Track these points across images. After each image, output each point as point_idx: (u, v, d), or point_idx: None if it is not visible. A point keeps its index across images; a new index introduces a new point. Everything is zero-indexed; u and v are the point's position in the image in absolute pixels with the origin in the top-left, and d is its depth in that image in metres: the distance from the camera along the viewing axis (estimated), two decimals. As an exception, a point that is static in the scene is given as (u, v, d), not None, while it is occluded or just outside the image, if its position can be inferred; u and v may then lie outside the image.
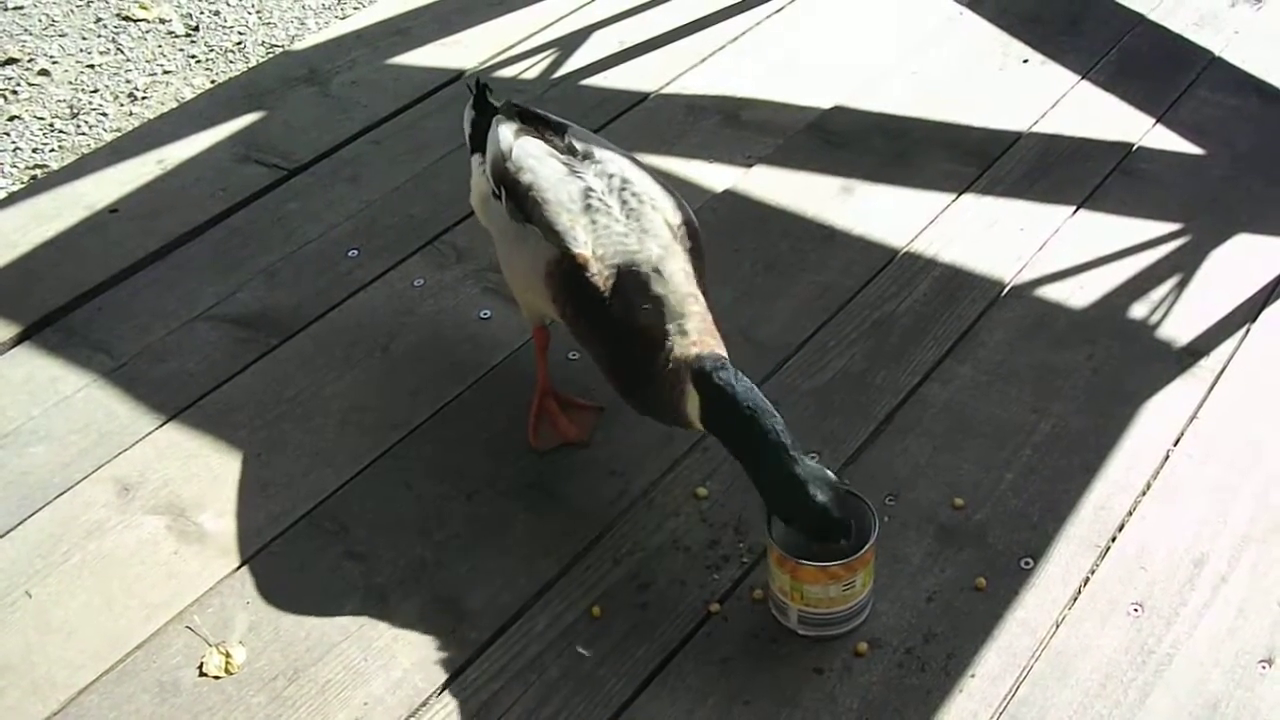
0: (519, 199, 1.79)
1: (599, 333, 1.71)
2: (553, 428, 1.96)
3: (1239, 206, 2.34)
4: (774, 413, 1.57)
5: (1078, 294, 2.17)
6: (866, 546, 1.60)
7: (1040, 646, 1.64)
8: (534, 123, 1.92)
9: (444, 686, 1.64)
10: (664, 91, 2.77)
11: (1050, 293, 2.18)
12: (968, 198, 2.41)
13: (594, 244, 1.71)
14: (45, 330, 2.22)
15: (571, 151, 1.84)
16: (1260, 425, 1.92)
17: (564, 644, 1.68)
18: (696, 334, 1.65)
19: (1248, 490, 1.83)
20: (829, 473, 1.57)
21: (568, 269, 1.71)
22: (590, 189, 1.76)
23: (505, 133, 1.87)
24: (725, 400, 1.58)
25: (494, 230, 1.91)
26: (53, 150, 3.06)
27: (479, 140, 1.96)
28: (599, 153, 1.84)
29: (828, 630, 1.66)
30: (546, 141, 1.86)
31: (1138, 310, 2.13)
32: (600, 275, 1.69)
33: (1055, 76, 2.74)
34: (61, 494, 1.92)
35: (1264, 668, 1.60)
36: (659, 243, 1.71)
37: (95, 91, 3.25)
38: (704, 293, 1.72)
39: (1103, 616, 1.67)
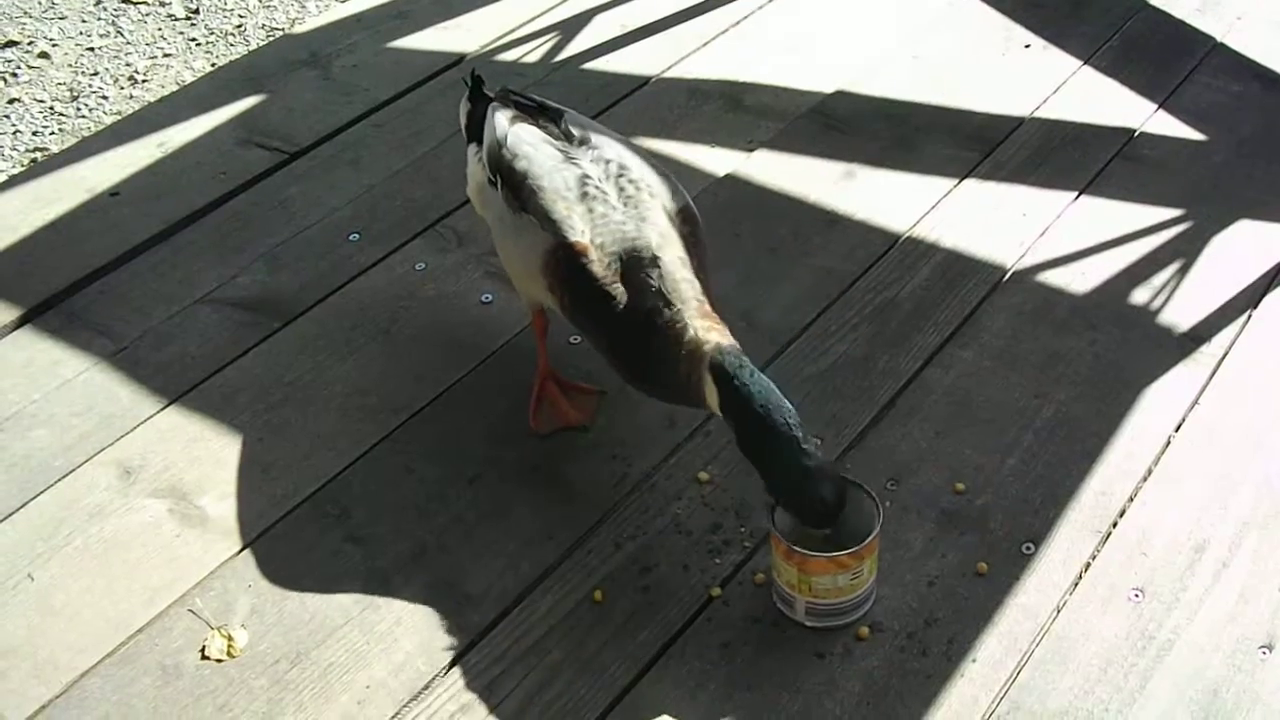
0: (514, 187, 1.78)
1: (600, 322, 1.71)
2: (554, 411, 1.96)
3: (1241, 192, 2.34)
4: (789, 407, 1.58)
5: (1079, 280, 2.17)
6: (872, 535, 1.60)
7: (1041, 631, 1.65)
8: (529, 109, 1.91)
9: (446, 670, 1.64)
10: (666, 76, 2.76)
11: (1052, 278, 2.18)
12: (970, 183, 2.41)
13: (592, 232, 1.70)
14: (46, 314, 2.22)
15: (568, 137, 1.83)
16: (1261, 411, 1.92)
17: (565, 628, 1.68)
18: (702, 319, 1.65)
19: (1249, 476, 1.83)
20: (834, 466, 1.58)
21: (564, 258, 1.70)
22: (586, 176, 1.75)
23: (500, 119, 1.86)
24: (742, 395, 1.58)
25: (490, 219, 1.91)
26: (53, 133, 3.05)
27: (475, 130, 1.96)
28: (595, 138, 1.83)
29: (835, 620, 1.66)
30: (542, 128, 1.86)
31: (1139, 296, 2.13)
32: (600, 264, 1.68)
33: (1057, 61, 2.74)
34: (63, 477, 1.92)
35: (1264, 653, 1.61)
36: (658, 230, 1.71)
37: (95, 74, 3.24)
38: (705, 279, 1.72)
39: (1104, 602, 1.68)
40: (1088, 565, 1.72)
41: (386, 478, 1.90)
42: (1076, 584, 1.70)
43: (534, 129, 1.85)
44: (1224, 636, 1.63)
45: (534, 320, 1.95)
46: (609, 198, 1.73)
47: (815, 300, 2.16)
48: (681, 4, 2.98)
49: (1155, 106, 2.58)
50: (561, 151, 1.80)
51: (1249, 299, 2.12)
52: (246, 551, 1.80)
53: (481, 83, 2.02)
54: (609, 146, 1.81)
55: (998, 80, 2.68)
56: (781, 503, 1.60)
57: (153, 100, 2.98)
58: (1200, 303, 2.11)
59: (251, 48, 3.29)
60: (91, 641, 1.69)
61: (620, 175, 1.76)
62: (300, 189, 2.49)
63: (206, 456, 1.94)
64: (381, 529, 1.83)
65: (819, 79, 2.71)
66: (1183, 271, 2.17)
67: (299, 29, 3.01)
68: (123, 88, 3.20)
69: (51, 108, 3.14)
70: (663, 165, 1.85)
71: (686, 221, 1.76)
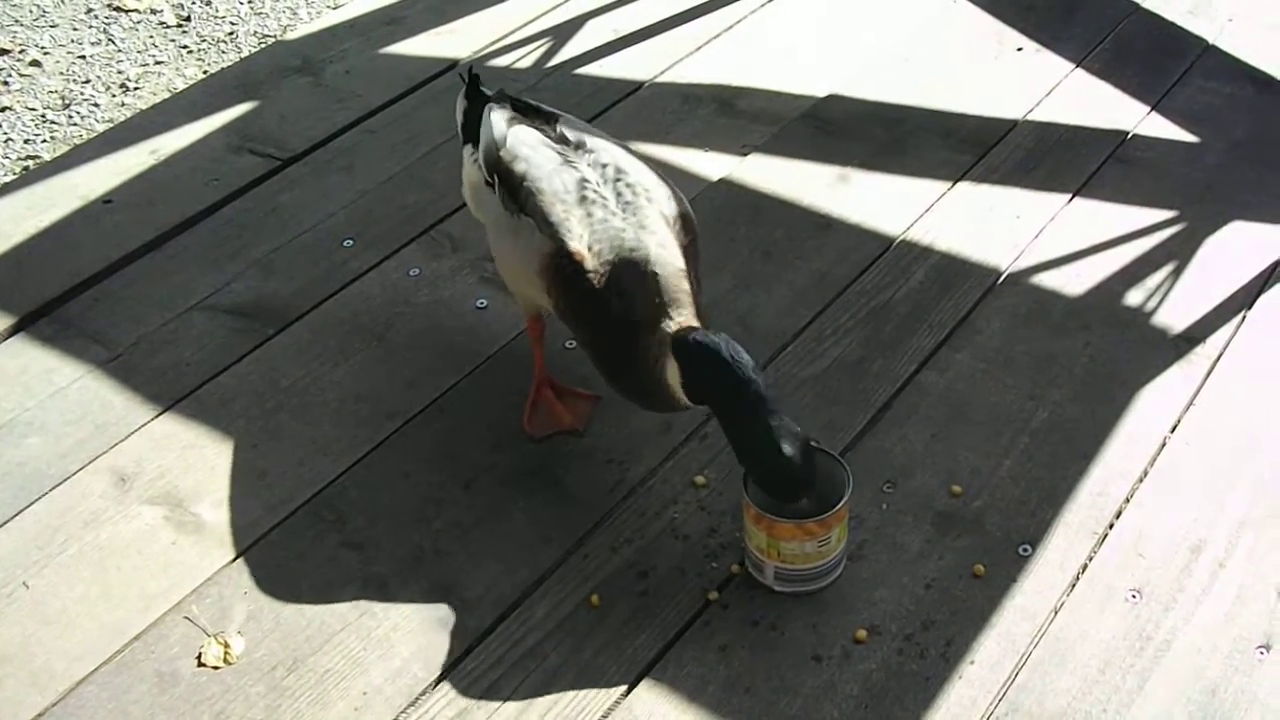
0: (512, 189, 1.78)
1: (593, 326, 1.71)
2: (549, 416, 1.96)
3: (1234, 193, 2.35)
4: (755, 366, 1.58)
5: (1074, 281, 2.17)
6: (841, 503, 1.62)
7: (1039, 633, 1.65)
8: (526, 112, 1.91)
9: (443, 675, 1.64)
10: (659, 80, 2.76)
11: (1046, 280, 2.18)
12: (963, 186, 2.41)
13: (589, 238, 1.70)
14: (40, 321, 2.21)
15: (564, 141, 1.83)
16: (1257, 411, 1.93)
17: (563, 632, 1.68)
18: (684, 321, 1.65)
19: (1245, 476, 1.83)
20: (800, 430, 1.58)
21: (562, 264, 1.70)
22: (585, 180, 1.75)
23: (498, 120, 1.85)
24: (702, 356, 1.58)
25: (487, 221, 1.90)
26: (45, 141, 3.04)
27: (471, 131, 1.95)
28: (591, 142, 1.82)
29: (804, 586, 1.68)
30: (539, 130, 1.85)
31: (1134, 297, 2.14)
32: (596, 272, 1.68)
33: (1050, 64, 2.74)
34: (58, 485, 1.91)
35: (1261, 653, 1.61)
36: (656, 239, 1.70)
37: (87, 82, 3.24)
38: (698, 286, 1.72)
39: (1101, 603, 1.68)
40: (1085, 566, 1.72)
41: (382, 483, 1.90)
42: (1074, 585, 1.70)
43: (532, 130, 1.84)
44: (1221, 637, 1.63)
45: (530, 325, 1.95)
46: (608, 202, 1.73)
47: (810, 304, 2.16)
48: (674, 9, 2.99)
49: (1148, 109, 2.59)
50: (560, 154, 1.79)
51: (1243, 300, 2.12)
52: (242, 558, 1.80)
53: (478, 80, 2.02)
54: (606, 150, 1.81)
55: (990, 84, 2.69)
56: (747, 469, 1.62)
57: (145, 108, 2.98)
58: (1194, 304, 2.11)
59: (243, 54, 3.28)
60: (87, 649, 1.69)
61: (618, 179, 1.76)
62: (293, 195, 2.48)
63: (201, 463, 1.94)
64: (378, 534, 1.82)
65: (812, 83, 2.72)
66: (1177, 273, 2.18)
67: (291, 36, 3.00)
68: (115, 95, 3.19)
69: (44, 116, 3.13)
70: (659, 169, 1.85)
71: (685, 230, 1.76)
